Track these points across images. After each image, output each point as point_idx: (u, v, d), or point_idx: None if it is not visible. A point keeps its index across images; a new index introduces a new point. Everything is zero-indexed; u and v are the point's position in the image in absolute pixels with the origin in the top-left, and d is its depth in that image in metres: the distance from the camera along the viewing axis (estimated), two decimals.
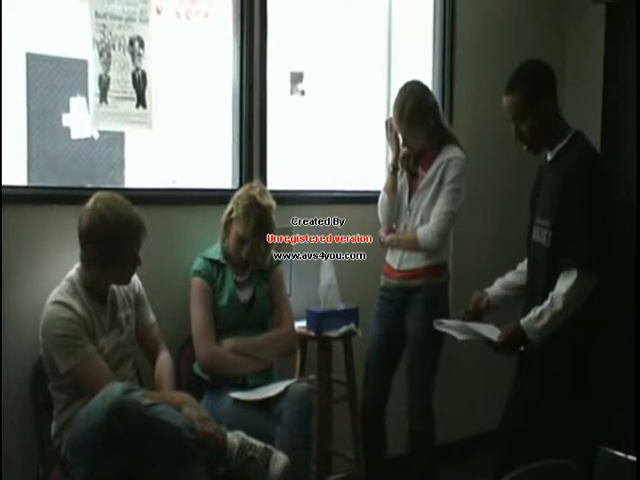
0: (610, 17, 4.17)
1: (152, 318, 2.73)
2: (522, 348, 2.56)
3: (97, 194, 2.50)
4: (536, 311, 2.48)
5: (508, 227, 3.94)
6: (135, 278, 2.66)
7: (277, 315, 2.95)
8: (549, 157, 2.63)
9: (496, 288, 2.89)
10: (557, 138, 2.59)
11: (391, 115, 3.09)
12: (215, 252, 2.91)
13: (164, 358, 2.69)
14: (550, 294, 2.46)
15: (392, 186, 3.12)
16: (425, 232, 3.01)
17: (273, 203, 2.87)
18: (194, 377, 2.86)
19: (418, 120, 3.01)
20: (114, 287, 2.58)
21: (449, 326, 2.73)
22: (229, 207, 2.88)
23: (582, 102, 4.17)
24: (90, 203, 2.46)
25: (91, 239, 2.44)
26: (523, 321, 2.50)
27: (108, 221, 2.42)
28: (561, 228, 2.50)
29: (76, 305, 2.42)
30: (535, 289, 2.65)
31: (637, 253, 3.77)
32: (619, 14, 4.13)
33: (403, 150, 3.14)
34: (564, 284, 2.44)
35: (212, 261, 2.88)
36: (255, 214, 2.81)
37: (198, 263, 2.87)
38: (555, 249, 2.52)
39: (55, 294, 2.45)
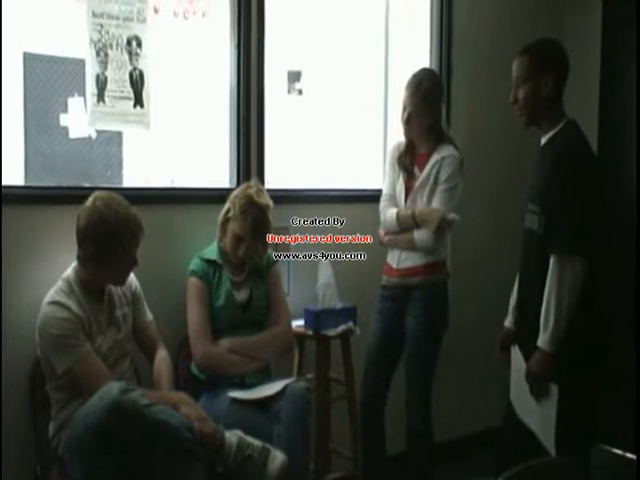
0: (607, 13, 4.17)
1: (149, 316, 2.73)
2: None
3: (96, 193, 2.51)
4: (540, 323, 2.46)
5: (506, 224, 3.95)
6: (132, 276, 2.66)
7: (274, 314, 2.95)
8: (542, 142, 2.65)
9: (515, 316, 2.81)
10: (552, 122, 2.60)
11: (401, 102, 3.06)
12: (212, 252, 2.91)
13: (162, 356, 2.69)
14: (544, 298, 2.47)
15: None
16: (421, 232, 3.01)
17: (270, 202, 2.87)
18: (191, 377, 2.86)
19: (432, 97, 3.04)
20: (111, 286, 2.58)
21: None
22: (226, 206, 2.89)
23: (579, 98, 4.16)
24: (89, 201, 2.46)
25: (89, 237, 2.44)
26: (538, 342, 2.47)
27: (107, 219, 2.42)
28: (549, 213, 2.50)
29: (72, 305, 2.42)
30: (528, 275, 2.65)
31: (637, 248, 3.77)
32: (616, 10, 4.13)
33: (400, 148, 3.14)
34: (551, 275, 2.44)
35: (209, 261, 2.88)
36: (252, 213, 2.81)
37: (194, 263, 2.87)
38: (547, 234, 2.52)
39: (51, 294, 2.45)
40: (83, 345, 2.40)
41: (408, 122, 3.08)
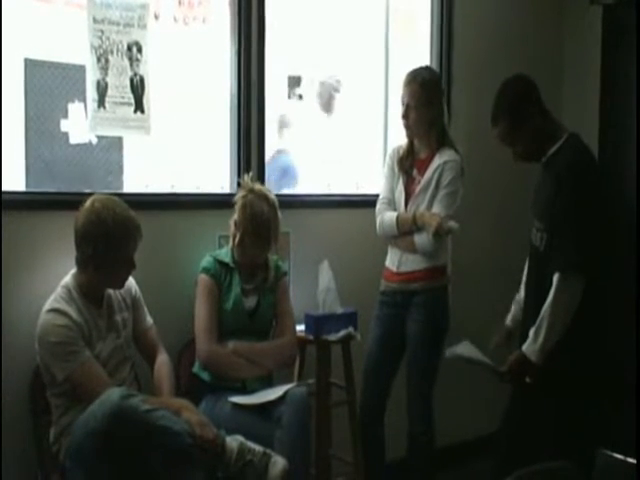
0: (607, 19, 4.18)
1: (149, 320, 2.73)
2: (528, 380, 2.56)
3: (95, 195, 2.51)
4: (531, 332, 2.51)
5: (507, 230, 3.95)
6: (131, 281, 2.65)
7: (280, 325, 2.96)
8: (543, 159, 2.65)
9: (516, 310, 2.88)
10: (551, 139, 2.62)
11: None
12: (225, 255, 2.92)
13: (162, 360, 2.68)
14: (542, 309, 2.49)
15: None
16: (422, 236, 3.01)
17: (272, 197, 2.89)
18: (194, 378, 2.86)
19: (429, 88, 3.02)
20: (110, 291, 2.58)
21: (459, 353, 2.74)
22: (235, 210, 2.89)
23: (580, 104, 4.18)
24: (88, 203, 2.46)
25: (87, 237, 2.43)
26: (524, 347, 2.53)
27: (105, 220, 2.42)
28: (553, 231, 2.52)
29: (72, 311, 2.42)
30: (530, 292, 2.66)
31: (638, 254, 3.77)
32: (616, 16, 4.14)
33: (401, 151, 3.14)
34: (551, 291, 2.46)
35: (222, 263, 2.88)
36: (250, 201, 2.83)
37: (207, 261, 2.88)
38: (548, 252, 2.53)
39: (50, 302, 2.44)
40: (83, 352, 2.39)
41: (406, 116, 3.05)
